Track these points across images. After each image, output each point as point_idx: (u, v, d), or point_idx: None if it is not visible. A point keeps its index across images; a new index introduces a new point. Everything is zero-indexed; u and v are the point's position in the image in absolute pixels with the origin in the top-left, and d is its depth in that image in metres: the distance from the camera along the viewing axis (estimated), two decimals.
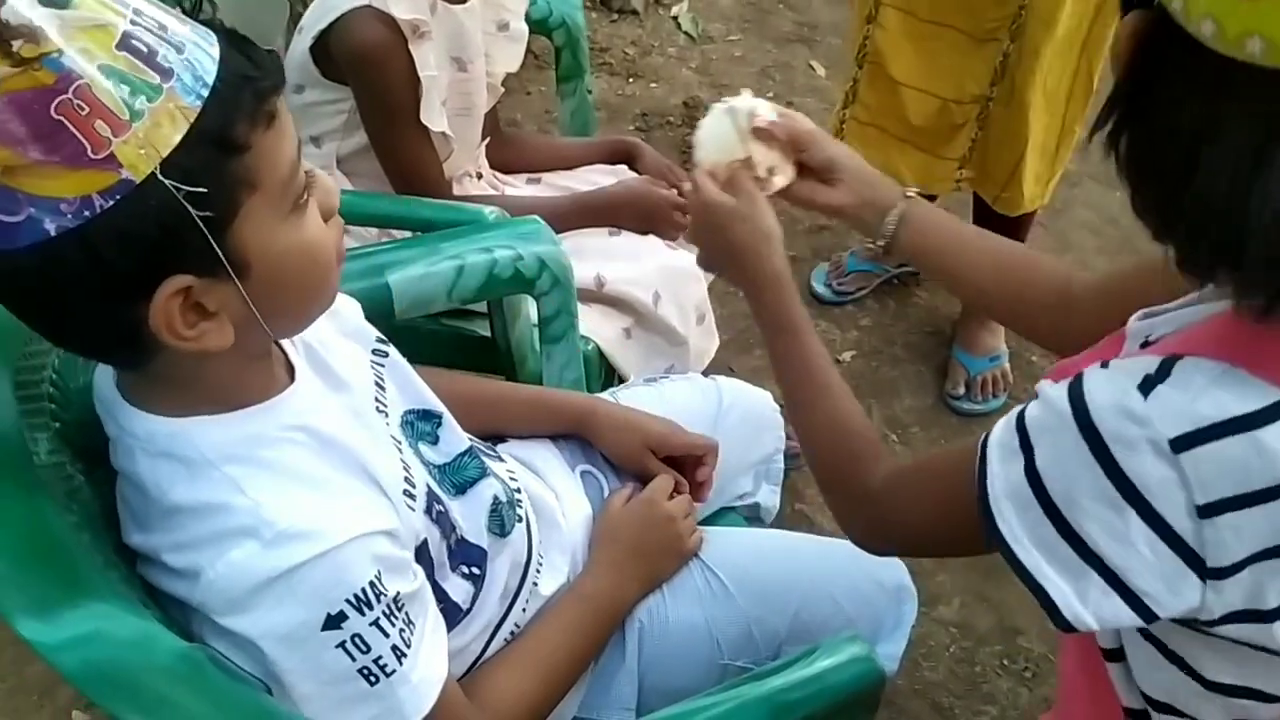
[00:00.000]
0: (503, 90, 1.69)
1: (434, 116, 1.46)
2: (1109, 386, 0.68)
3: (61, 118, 0.68)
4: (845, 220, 1.11)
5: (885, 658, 1.18)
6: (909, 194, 1.08)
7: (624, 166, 1.76)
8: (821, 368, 0.98)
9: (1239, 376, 0.65)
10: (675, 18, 3.29)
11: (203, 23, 0.77)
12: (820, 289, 2.50)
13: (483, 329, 1.54)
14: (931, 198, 2.37)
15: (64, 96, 0.68)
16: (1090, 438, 0.67)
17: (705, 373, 1.70)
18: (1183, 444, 0.65)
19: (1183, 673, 0.76)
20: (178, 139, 0.71)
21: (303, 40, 1.46)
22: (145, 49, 0.70)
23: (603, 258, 1.58)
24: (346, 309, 1.04)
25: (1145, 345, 0.74)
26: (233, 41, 0.76)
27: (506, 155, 1.74)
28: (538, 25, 1.78)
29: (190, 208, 0.71)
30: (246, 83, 0.75)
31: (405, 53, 1.41)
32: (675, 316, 1.61)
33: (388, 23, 1.39)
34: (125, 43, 0.70)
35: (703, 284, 1.67)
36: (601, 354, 1.57)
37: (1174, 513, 0.66)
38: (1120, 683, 0.82)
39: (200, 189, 0.71)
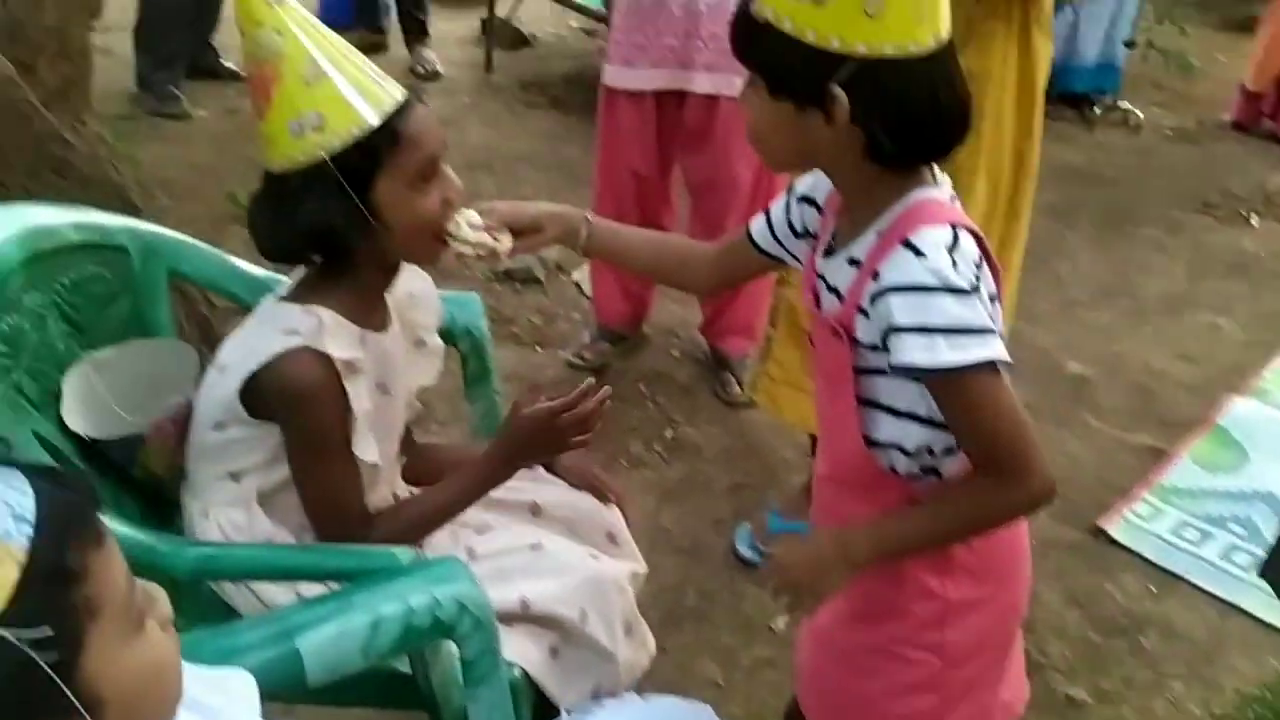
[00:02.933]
0: (419, 406, 1.67)
1: (367, 449, 1.42)
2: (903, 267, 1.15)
3: None
4: (557, 243, 1.51)
5: None
6: (589, 216, 1.50)
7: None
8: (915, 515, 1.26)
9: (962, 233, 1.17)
10: (577, 283, 3.37)
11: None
12: (746, 552, 2.46)
13: (403, 665, 1.45)
14: None
15: None
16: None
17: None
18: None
19: None
20: (13, 584, 0.67)
21: (228, 379, 1.40)
22: None
23: (526, 577, 1.52)
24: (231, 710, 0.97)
25: (853, 263, 1.21)
26: (38, 471, 0.73)
27: (419, 470, 1.70)
28: (441, 334, 1.77)
29: (36, 656, 0.67)
30: (69, 508, 0.72)
31: (340, 390, 1.37)
32: (603, 632, 1.55)
33: (325, 362, 1.36)
34: None
35: (629, 593, 1.62)
36: (529, 678, 1.49)
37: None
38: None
39: (43, 631, 0.67)
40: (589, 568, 1.56)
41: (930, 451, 1.24)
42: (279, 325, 1.38)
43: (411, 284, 1.58)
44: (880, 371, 1.20)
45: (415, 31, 5.00)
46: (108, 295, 1.55)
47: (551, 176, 4.14)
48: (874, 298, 1.16)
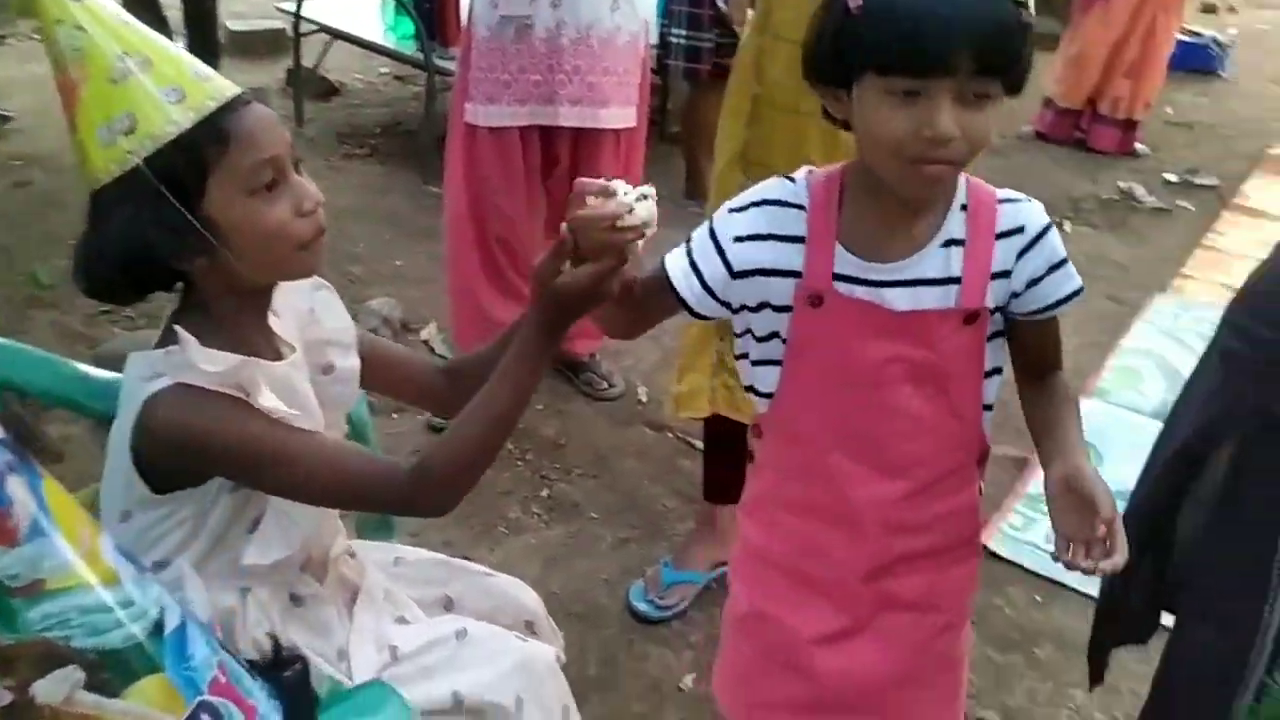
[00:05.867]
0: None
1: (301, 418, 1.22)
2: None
3: None
4: None
5: None
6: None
7: None
8: None
9: None
10: (426, 341, 3.22)
11: None
12: (642, 607, 2.38)
13: None
14: None
15: None
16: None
17: None
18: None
19: None
20: None
21: (114, 462, 1.21)
22: None
23: (455, 669, 1.39)
24: None
25: (951, 243, 1.26)
26: None
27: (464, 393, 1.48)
28: None
29: None
30: None
31: (228, 399, 1.17)
32: (540, 717, 1.44)
33: (202, 390, 1.16)
34: None
35: (561, 676, 1.51)
36: None
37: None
38: None
39: None
40: (519, 651, 1.44)
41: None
42: (140, 375, 1.19)
43: (310, 297, 1.38)
44: (998, 334, 1.29)
45: None
46: None
47: (381, 229, 3.98)
48: (1024, 250, 1.23)
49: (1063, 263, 1.25)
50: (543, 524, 2.62)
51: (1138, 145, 5.17)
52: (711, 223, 1.28)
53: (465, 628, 1.44)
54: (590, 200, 1.13)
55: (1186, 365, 3.72)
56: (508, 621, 1.53)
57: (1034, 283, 1.24)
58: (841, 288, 1.24)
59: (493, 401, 1.22)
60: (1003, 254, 1.23)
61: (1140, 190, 4.76)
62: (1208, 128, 5.70)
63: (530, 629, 1.56)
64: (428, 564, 1.56)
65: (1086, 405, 3.13)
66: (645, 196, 1.14)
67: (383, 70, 5.55)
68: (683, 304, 1.30)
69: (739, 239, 1.26)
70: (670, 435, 2.94)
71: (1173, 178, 4.96)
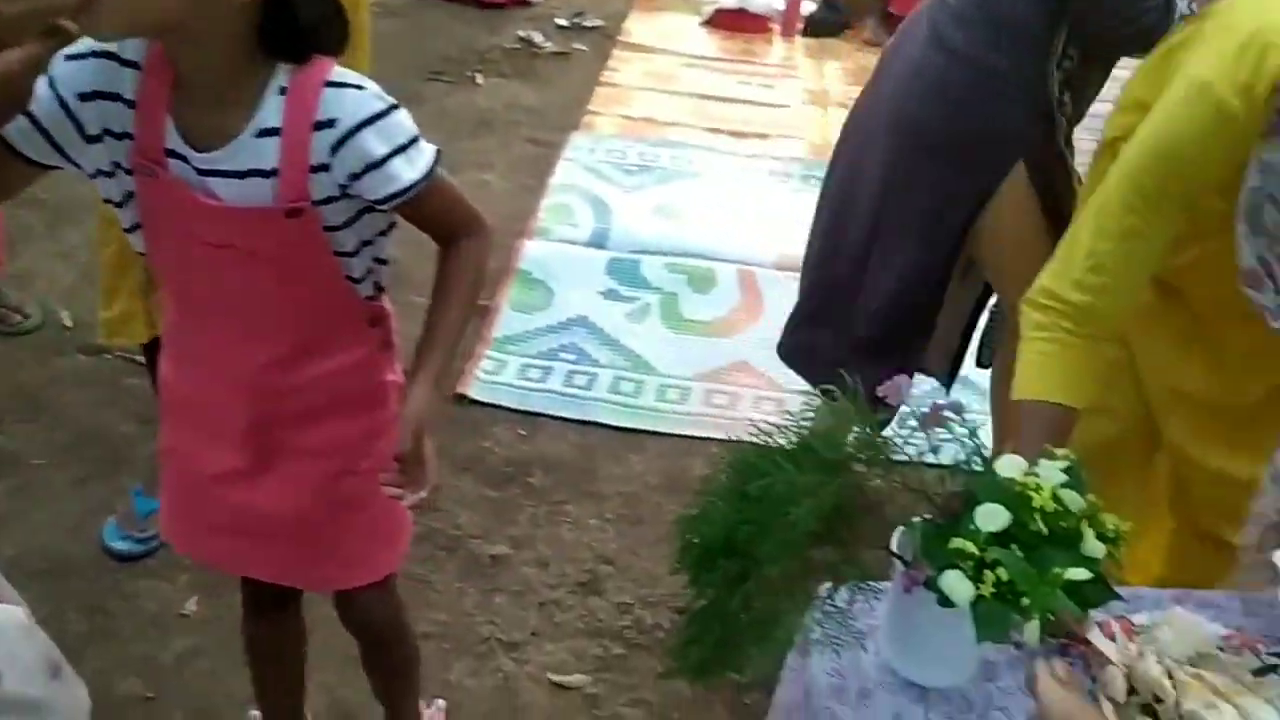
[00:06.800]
0: None
1: None
2: None
3: None
4: None
5: None
6: None
7: None
8: None
9: None
10: None
11: None
12: (120, 545, 2.17)
13: None
14: None
15: None
16: None
17: None
18: None
19: None
20: None
21: None
22: None
23: None
24: None
25: (268, 133, 1.15)
26: None
27: None
28: None
29: None
30: None
31: None
32: (24, 682, 1.25)
33: None
34: None
35: (38, 631, 1.32)
36: None
37: None
38: None
39: None
40: None
41: (379, 261, 1.29)
42: None
43: None
44: (348, 223, 1.20)
45: None
46: None
47: None
48: (337, 145, 1.13)
49: (384, 160, 1.15)
50: None
51: None
52: (51, 73, 1.12)
53: None
54: None
55: (607, 193, 4.03)
56: None
57: (355, 178, 1.15)
58: (174, 165, 1.15)
59: None
60: (318, 147, 1.13)
61: (539, 37, 4.98)
62: None
63: None
64: None
65: (530, 245, 3.30)
66: None
67: None
68: (26, 160, 1.16)
69: (84, 96, 1.13)
70: (110, 356, 2.65)
71: (564, 22, 5.23)
